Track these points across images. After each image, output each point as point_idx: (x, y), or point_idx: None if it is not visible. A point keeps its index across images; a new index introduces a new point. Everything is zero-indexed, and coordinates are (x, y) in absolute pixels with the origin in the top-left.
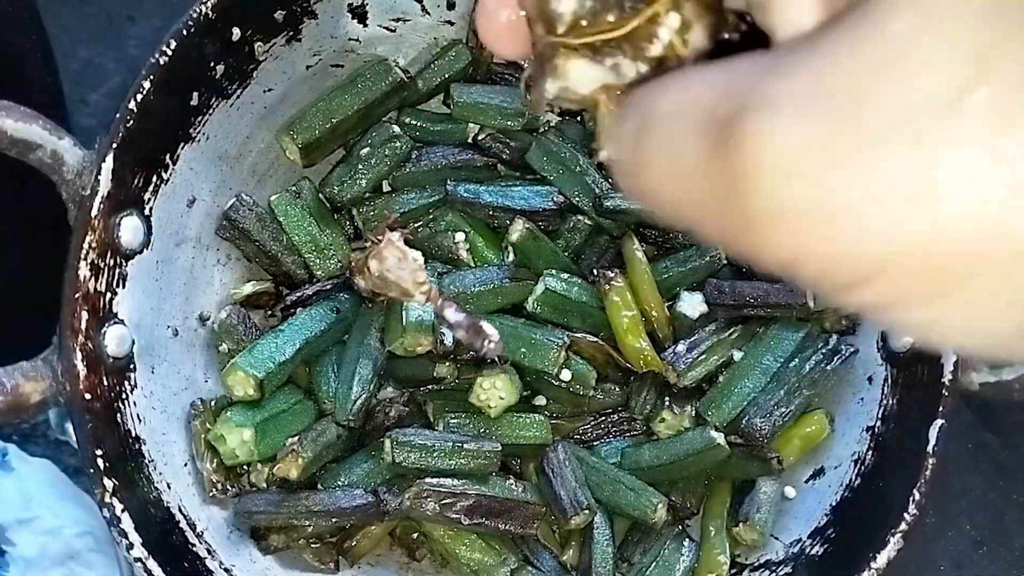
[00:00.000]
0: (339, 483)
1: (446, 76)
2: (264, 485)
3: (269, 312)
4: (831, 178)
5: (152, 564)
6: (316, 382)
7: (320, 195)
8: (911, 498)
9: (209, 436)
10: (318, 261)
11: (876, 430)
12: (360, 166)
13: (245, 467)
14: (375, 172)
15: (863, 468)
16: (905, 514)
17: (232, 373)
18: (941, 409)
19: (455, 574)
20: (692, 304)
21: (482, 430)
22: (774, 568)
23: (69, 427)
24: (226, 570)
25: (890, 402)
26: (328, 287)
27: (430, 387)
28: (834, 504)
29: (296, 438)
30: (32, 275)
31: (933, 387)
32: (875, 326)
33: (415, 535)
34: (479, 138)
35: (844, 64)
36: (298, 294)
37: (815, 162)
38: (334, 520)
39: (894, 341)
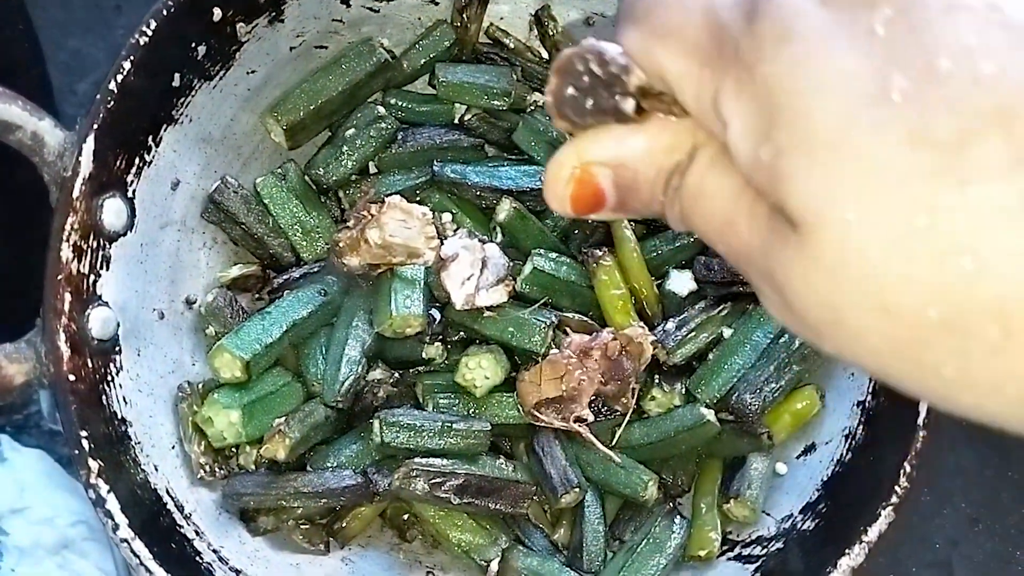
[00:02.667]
0: (328, 464)
1: (431, 56)
2: (252, 467)
3: (256, 295)
4: None
5: (138, 545)
6: (304, 364)
7: (306, 177)
8: (902, 471)
9: (196, 418)
10: (305, 244)
11: (867, 404)
12: (345, 148)
13: (233, 449)
14: (361, 153)
15: (854, 443)
16: (896, 487)
17: (218, 355)
18: None
19: (446, 554)
20: (681, 282)
21: (471, 410)
22: (766, 544)
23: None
24: (215, 551)
25: None
26: (315, 269)
27: (419, 368)
28: (825, 479)
29: (283, 419)
30: (14, 258)
31: None
32: None
33: (406, 516)
34: (465, 118)
35: None
36: (285, 277)
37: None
38: (323, 501)
39: None
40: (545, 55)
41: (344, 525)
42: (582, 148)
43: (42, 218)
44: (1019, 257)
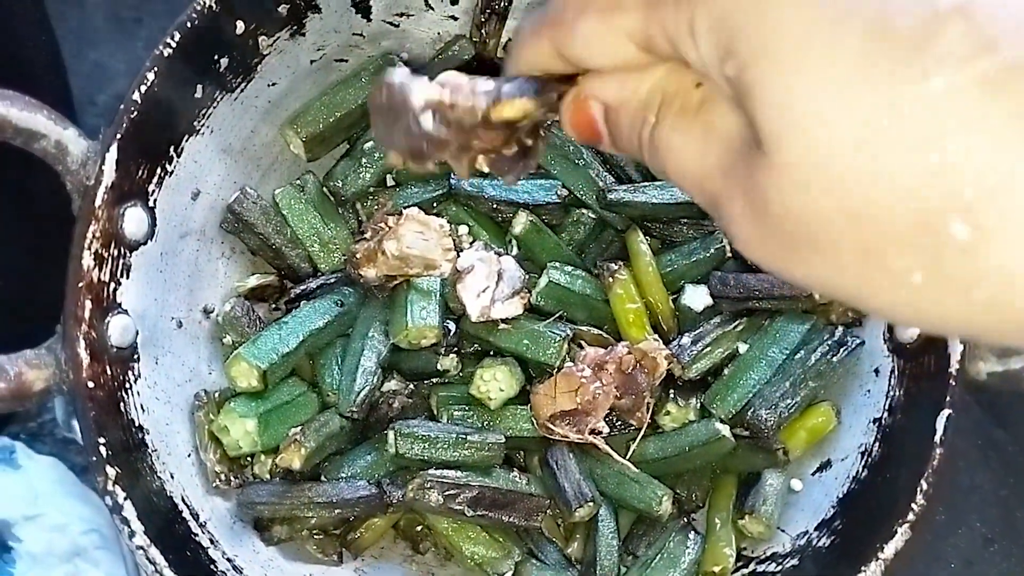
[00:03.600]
0: (342, 474)
1: (450, 70)
2: (267, 476)
3: (273, 305)
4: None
5: (154, 552)
6: (320, 374)
7: (324, 189)
8: (918, 488)
9: (212, 427)
10: (322, 255)
11: (883, 422)
12: (364, 160)
13: (248, 458)
14: (379, 166)
15: (870, 460)
16: (913, 504)
17: (235, 364)
18: (948, 399)
19: (459, 567)
20: (697, 297)
21: (486, 422)
22: (780, 560)
23: (76, 425)
24: (229, 560)
25: (897, 393)
26: (332, 280)
27: (434, 380)
28: (841, 496)
29: (299, 428)
30: (35, 265)
31: (940, 377)
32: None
33: (419, 528)
34: None
35: None
36: (302, 287)
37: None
38: (337, 511)
39: (901, 332)
40: None
41: (357, 536)
42: (586, 79)
43: (59, 227)
44: (984, 150)
